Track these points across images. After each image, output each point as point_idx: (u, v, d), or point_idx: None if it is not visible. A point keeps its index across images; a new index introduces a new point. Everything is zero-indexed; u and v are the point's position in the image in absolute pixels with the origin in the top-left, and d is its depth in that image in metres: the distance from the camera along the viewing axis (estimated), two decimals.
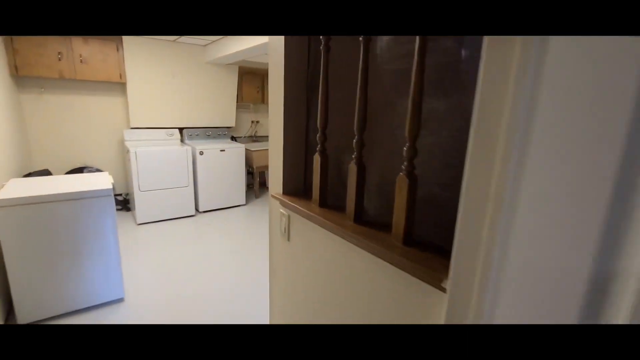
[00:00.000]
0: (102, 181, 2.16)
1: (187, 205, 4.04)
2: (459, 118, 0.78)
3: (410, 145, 0.79)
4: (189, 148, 3.97)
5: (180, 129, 4.46)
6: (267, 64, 4.61)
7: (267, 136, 5.57)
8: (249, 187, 5.08)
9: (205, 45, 4.18)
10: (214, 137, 4.70)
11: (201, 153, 4.08)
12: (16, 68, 3.19)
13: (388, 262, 0.82)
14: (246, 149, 4.58)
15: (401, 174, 0.82)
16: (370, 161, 0.98)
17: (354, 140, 0.95)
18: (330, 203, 1.17)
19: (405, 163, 0.81)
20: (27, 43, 3.19)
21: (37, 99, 3.57)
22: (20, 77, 3.34)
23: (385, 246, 0.84)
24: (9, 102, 3.02)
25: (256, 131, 5.47)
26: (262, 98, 5.05)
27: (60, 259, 1.96)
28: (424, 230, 0.86)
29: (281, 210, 1.30)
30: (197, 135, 4.54)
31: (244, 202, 4.59)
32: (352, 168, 0.97)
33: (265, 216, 4.19)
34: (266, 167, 4.87)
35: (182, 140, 4.44)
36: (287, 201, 1.22)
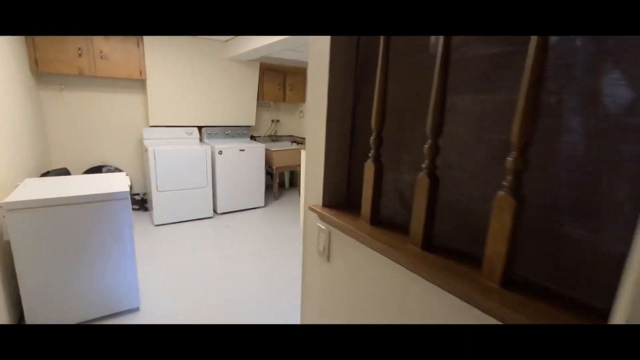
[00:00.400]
0: (118, 183, 2.03)
1: (205, 206, 3.91)
2: (581, 120, 0.56)
3: (519, 155, 0.58)
4: (208, 147, 3.84)
5: (200, 128, 4.34)
6: (290, 60, 4.44)
7: (288, 136, 5.43)
8: (268, 187, 4.93)
9: (226, 41, 4.04)
10: (234, 136, 4.57)
11: (220, 152, 3.94)
12: (36, 63, 3.13)
13: (482, 310, 0.62)
14: (266, 149, 4.43)
15: (502, 192, 0.61)
16: (445, 172, 0.78)
17: (426, 146, 0.75)
18: (383, 220, 0.97)
19: (509, 178, 0.60)
20: (47, 39, 3.12)
21: (57, 95, 3.51)
22: (40, 73, 3.28)
23: (475, 287, 0.63)
24: (29, 99, 2.95)
25: (276, 130, 5.31)
26: (283, 96, 4.88)
27: (73, 266, 1.83)
28: (527, 267, 0.65)
29: (320, 224, 1.11)
30: (216, 134, 4.42)
31: (262, 204, 4.44)
32: (423, 181, 0.76)
33: (285, 219, 4.02)
34: (286, 167, 4.70)
35: (201, 139, 4.32)
36: (328, 215, 1.03)
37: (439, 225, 0.80)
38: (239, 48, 3.71)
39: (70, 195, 1.71)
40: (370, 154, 0.92)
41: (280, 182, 5.30)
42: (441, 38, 0.70)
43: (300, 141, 5.27)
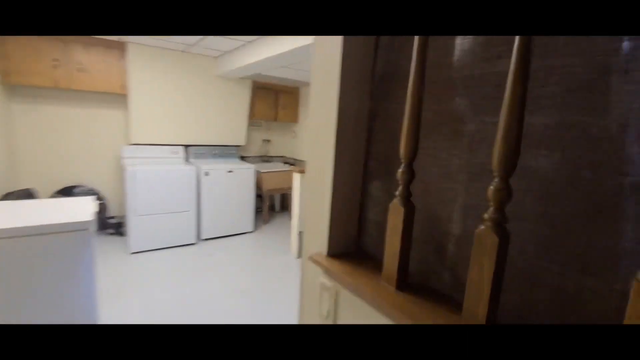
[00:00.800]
0: (81, 210, 1.73)
1: (188, 232, 3.59)
2: None
3: None
4: (194, 168, 3.56)
5: (186, 147, 4.07)
6: (283, 78, 4.27)
7: (280, 156, 5.20)
8: (257, 211, 4.63)
9: (217, 57, 3.86)
10: (222, 157, 4.31)
11: (207, 174, 3.67)
12: (7, 75, 2.85)
13: None
14: (256, 170, 4.17)
15: None
16: (516, 225, 0.53)
17: (492, 188, 0.51)
18: (411, 278, 0.71)
19: None
20: (20, 48, 2.87)
21: (30, 110, 3.22)
22: (12, 85, 3.00)
23: None
24: None
25: (267, 151, 5.08)
26: (276, 115, 4.69)
27: (13, 310, 1.50)
28: None
29: (324, 281, 0.85)
30: (202, 153, 4.15)
31: (251, 229, 4.13)
32: (486, 238, 0.51)
33: (275, 245, 3.72)
34: (277, 190, 4.44)
35: (186, 159, 4.04)
36: (336, 272, 0.77)
37: (505, 298, 0.55)
38: (230, 64, 3.52)
39: (12, 226, 1.40)
40: (397, 193, 0.67)
41: (270, 205, 5.01)
42: (517, 45, 0.47)
43: (292, 162, 5.04)
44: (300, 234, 3.36)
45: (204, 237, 3.77)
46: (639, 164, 0.42)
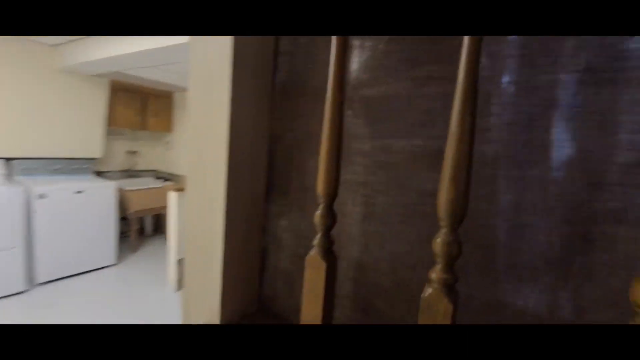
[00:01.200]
0: None
1: (13, 277, 2.64)
2: None
3: None
4: (20, 189, 2.66)
5: (7, 160, 3.02)
6: (152, 80, 3.67)
7: (150, 170, 4.46)
8: (123, 237, 3.82)
9: (56, 45, 3.01)
10: (67, 173, 3.38)
11: (42, 196, 2.79)
12: None
13: None
14: (119, 188, 3.43)
15: None
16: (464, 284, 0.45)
17: (439, 240, 0.40)
18: None
19: None
20: None
21: None
22: None
23: None
24: None
25: (134, 164, 4.29)
26: (144, 123, 4.00)
27: None
28: None
29: None
30: (36, 169, 3.17)
31: (113, 262, 3.36)
32: (435, 303, 0.41)
33: (146, 279, 3.10)
34: (147, 211, 3.77)
35: (9, 177, 3.00)
36: None
37: None
38: (75, 57, 2.80)
39: None
40: (315, 242, 0.52)
41: (139, 228, 4.23)
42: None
43: (167, 177, 4.39)
44: (180, 261, 2.89)
45: (41, 281, 2.84)
46: (593, 209, 0.38)
